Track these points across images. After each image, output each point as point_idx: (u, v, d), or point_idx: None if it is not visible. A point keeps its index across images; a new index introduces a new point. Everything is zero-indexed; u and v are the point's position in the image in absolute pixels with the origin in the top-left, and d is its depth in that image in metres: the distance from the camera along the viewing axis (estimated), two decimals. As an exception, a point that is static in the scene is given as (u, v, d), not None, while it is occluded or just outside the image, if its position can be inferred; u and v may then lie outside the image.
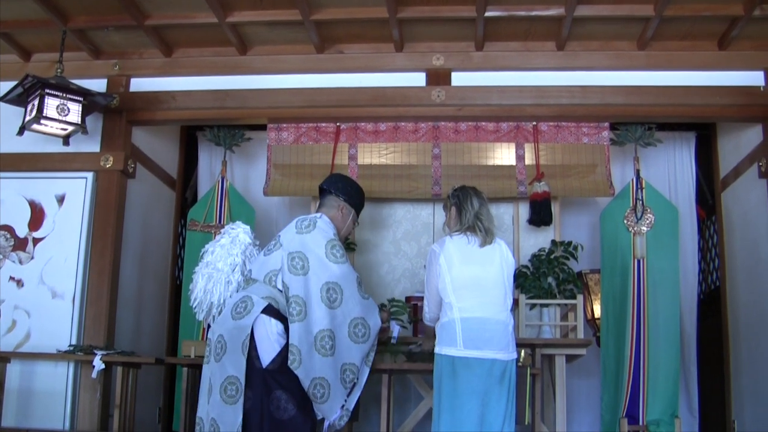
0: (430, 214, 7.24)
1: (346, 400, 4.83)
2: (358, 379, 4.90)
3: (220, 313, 5.04)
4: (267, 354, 4.63)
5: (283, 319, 4.73)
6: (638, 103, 6.59)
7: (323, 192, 5.37)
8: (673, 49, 6.62)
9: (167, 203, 7.92)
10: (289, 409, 4.58)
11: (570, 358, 6.40)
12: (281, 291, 4.78)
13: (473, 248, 4.96)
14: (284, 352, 4.63)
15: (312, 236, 4.90)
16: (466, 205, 5.12)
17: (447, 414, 4.68)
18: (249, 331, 4.59)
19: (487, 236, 5.00)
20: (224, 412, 4.53)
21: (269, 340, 4.65)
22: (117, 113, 6.84)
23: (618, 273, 6.55)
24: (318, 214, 5.13)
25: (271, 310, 4.70)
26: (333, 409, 4.75)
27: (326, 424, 4.82)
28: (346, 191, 5.35)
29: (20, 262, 6.62)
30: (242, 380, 4.52)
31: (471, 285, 4.86)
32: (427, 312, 5.12)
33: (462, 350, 4.70)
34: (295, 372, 4.57)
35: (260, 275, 4.88)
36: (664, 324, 6.36)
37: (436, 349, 4.83)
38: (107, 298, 6.54)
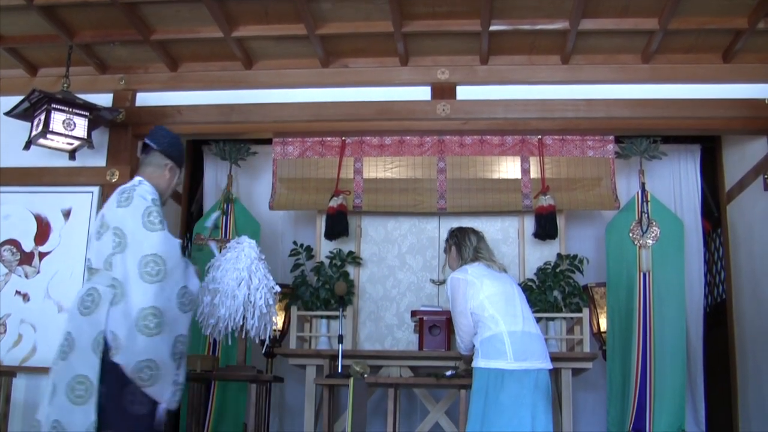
0: (436, 227, 7.25)
1: (177, 375, 4.46)
2: (186, 347, 4.57)
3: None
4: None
5: None
6: (643, 116, 6.60)
7: (148, 148, 4.90)
8: (678, 62, 6.62)
9: (172, 217, 7.91)
10: (146, 403, 4.28)
11: (576, 372, 6.40)
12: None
13: (494, 271, 5.19)
14: None
15: (130, 209, 4.46)
16: (464, 242, 5.36)
17: (494, 427, 4.71)
18: (102, 327, 4.23)
19: (495, 263, 5.27)
20: (72, 413, 4.17)
21: None
22: (123, 127, 6.86)
23: (624, 286, 6.54)
24: (137, 180, 4.69)
25: None
26: (164, 389, 4.36)
27: (161, 407, 4.38)
28: (174, 148, 4.95)
29: (26, 276, 6.63)
30: (94, 379, 4.17)
31: (506, 300, 5.00)
32: (461, 342, 5.21)
33: (512, 363, 4.76)
34: (114, 360, 4.21)
35: (99, 263, 4.46)
36: (670, 337, 6.35)
37: (481, 363, 4.86)
38: (113, 312, 6.52)
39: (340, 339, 5.96)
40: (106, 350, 4.22)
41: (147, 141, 4.91)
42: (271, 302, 5.98)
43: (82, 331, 4.26)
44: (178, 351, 4.41)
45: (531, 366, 4.78)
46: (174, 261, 4.45)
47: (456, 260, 5.37)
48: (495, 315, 4.91)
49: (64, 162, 6.63)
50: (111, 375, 4.22)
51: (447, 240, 5.54)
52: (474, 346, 5.06)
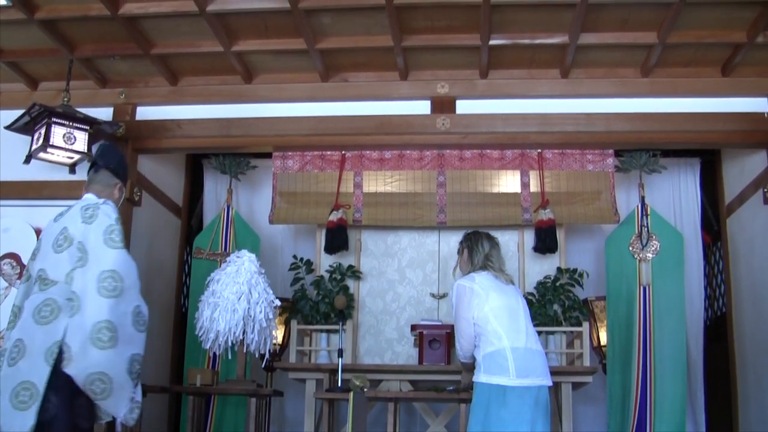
0: (435, 241, 7.25)
1: (134, 393, 4.44)
2: (140, 368, 4.53)
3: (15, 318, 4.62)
4: None
5: None
6: (642, 129, 6.60)
7: (97, 166, 4.95)
8: (677, 76, 6.62)
9: (173, 231, 7.92)
10: (93, 417, 4.34)
11: (576, 386, 6.39)
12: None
13: (500, 283, 5.13)
14: None
15: (93, 226, 4.50)
16: (477, 247, 5.29)
17: None
18: (59, 338, 4.23)
19: (501, 274, 5.20)
20: (13, 418, 4.14)
21: None
22: (123, 141, 6.85)
23: (624, 300, 6.54)
24: (101, 200, 4.71)
25: None
26: (119, 405, 4.37)
27: (118, 421, 4.51)
28: (122, 167, 5.03)
29: (26, 291, 6.62)
30: (40, 387, 4.15)
31: (510, 315, 4.96)
32: (460, 349, 5.14)
33: (514, 379, 4.73)
34: (65, 371, 4.20)
35: (59, 275, 4.45)
36: (670, 350, 6.35)
37: (483, 378, 4.83)
38: (113, 326, 6.51)
39: (340, 353, 5.96)
40: (59, 361, 4.22)
41: (96, 159, 4.98)
42: (270, 316, 5.98)
43: (34, 339, 4.27)
44: (134, 370, 4.41)
45: (532, 383, 4.75)
46: (131, 280, 4.48)
47: (467, 264, 5.33)
48: (498, 330, 4.87)
49: (64, 176, 6.63)
50: (65, 387, 4.22)
51: (461, 242, 5.48)
52: (472, 355, 5.07)
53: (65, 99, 6.46)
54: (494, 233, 5.48)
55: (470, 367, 5.16)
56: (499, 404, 4.70)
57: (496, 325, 4.89)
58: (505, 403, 4.69)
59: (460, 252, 5.47)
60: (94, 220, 4.51)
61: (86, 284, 4.32)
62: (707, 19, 5.91)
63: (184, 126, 6.90)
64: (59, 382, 4.21)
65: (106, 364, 4.27)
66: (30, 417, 4.10)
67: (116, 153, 5.08)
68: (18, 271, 6.65)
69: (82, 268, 4.37)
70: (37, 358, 4.23)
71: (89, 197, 4.77)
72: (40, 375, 4.18)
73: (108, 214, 4.57)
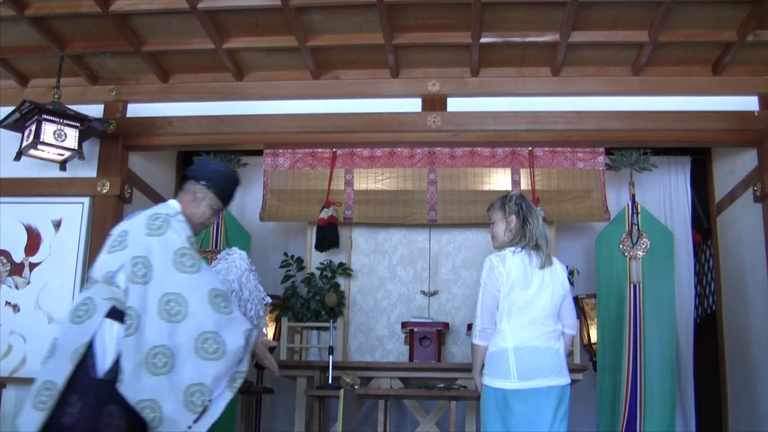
0: (426, 239, 7.26)
1: (191, 426, 4.10)
2: (211, 401, 4.16)
3: None
4: (103, 362, 4.01)
5: None
6: (633, 128, 6.61)
7: (186, 177, 4.59)
8: (668, 75, 6.64)
9: (163, 228, 7.90)
10: (121, 428, 3.96)
11: (566, 383, 6.39)
12: (124, 290, 4.12)
13: (533, 270, 4.56)
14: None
15: (161, 240, 4.19)
16: (531, 220, 4.63)
17: None
18: (88, 339, 3.99)
19: (547, 258, 4.59)
20: (29, 417, 3.92)
21: (108, 345, 4.04)
22: (113, 139, 6.85)
23: (614, 298, 6.55)
24: (173, 211, 4.37)
25: (115, 313, 4.08)
26: None
27: None
28: (208, 176, 4.56)
29: (16, 287, 6.61)
30: (60, 386, 3.90)
31: (527, 311, 4.52)
32: (479, 326, 4.58)
33: (516, 382, 4.40)
34: (119, 391, 3.94)
35: (99, 274, 4.20)
36: (660, 348, 6.35)
37: (487, 381, 4.50)
38: (103, 323, 6.51)
39: (331, 350, 5.96)
40: (88, 364, 4.00)
41: (186, 170, 4.62)
42: (261, 314, 5.96)
43: (66, 339, 4.06)
44: (197, 402, 4.08)
45: (538, 385, 4.40)
46: (198, 303, 4.13)
47: (515, 233, 4.63)
48: (505, 328, 4.48)
49: (54, 173, 6.62)
50: (92, 392, 3.98)
51: (508, 203, 4.69)
52: (490, 334, 4.58)
53: (56, 96, 6.45)
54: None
55: (479, 359, 4.62)
56: (500, 409, 4.42)
57: (506, 324, 4.49)
58: (507, 407, 4.39)
59: (504, 212, 4.69)
60: (161, 233, 4.20)
61: (146, 304, 4.07)
62: (698, 18, 5.92)
63: (174, 123, 6.89)
64: (86, 385, 3.98)
65: (158, 392, 4.01)
66: (39, 417, 3.89)
67: (207, 165, 4.69)
68: (8, 268, 6.64)
69: (144, 285, 4.09)
70: (64, 357, 4.00)
71: (170, 204, 4.44)
72: (61, 375, 3.96)
73: (178, 231, 4.24)
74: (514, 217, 4.62)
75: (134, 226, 4.27)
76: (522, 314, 4.51)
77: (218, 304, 4.18)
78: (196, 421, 4.09)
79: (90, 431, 3.94)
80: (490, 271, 4.56)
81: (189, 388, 4.06)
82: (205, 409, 4.12)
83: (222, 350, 4.13)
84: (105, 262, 4.23)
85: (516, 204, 4.65)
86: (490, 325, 4.56)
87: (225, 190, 4.63)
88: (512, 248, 4.59)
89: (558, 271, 4.65)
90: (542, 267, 4.57)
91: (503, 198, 4.75)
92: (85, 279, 4.40)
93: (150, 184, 7.48)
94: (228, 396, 4.20)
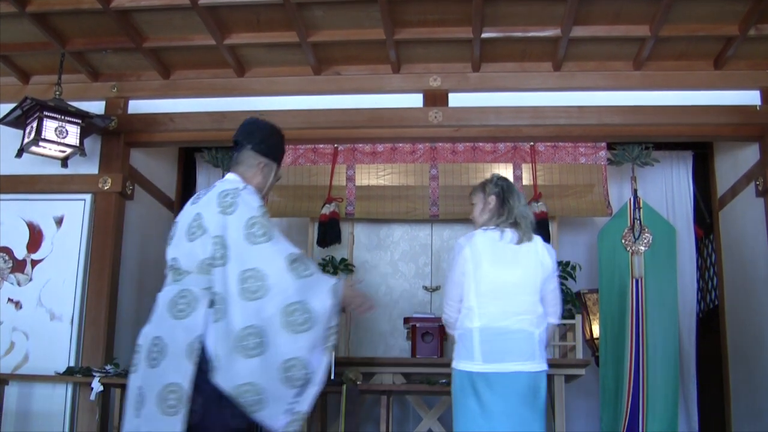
0: (428, 234, 7.26)
1: (294, 402, 3.98)
2: (312, 373, 4.01)
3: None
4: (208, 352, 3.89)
5: None
6: (635, 122, 6.61)
7: (239, 145, 4.39)
8: (669, 69, 6.63)
9: (165, 225, 7.87)
10: (245, 414, 3.85)
11: (569, 378, 6.39)
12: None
13: (506, 246, 4.36)
14: None
15: (234, 218, 4.02)
16: (511, 200, 4.47)
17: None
18: (200, 332, 3.87)
19: (525, 234, 4.39)
20: (161, 424, 3.80)
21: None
22: (115, 135, 6.86)
23: (616, 292, 6.54)
24: (241, 184, 4.17)
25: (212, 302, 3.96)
26: (275, 417, 3.92)
27: None
28: (266, 143, 4.41)
29: (18, 284, 6.62)
30: (186, 388, 3.78)
31: (497, 290, 4.28)
32: (445, 319, 4.50)
33: (480, 364, 4.17)
34: (214, 381, 3.83)
35: (191, 265, 4.04)
36: (662, 343, 6.35)
37: (453, 363, 4.32)
38: (105, 319, 6.53)
39: (333, 346, 5.95)
40: (203, 359, 3.86)
41: (236, 137, 4.42)
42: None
43: (175, 336, 3.89)
44: (295, 376, 3.94)
45: (505, 369, 4.16)
46: (277, 275, 3.95)
47: (494, 214, 4.48)
48: (473, 306, 4.27)
49: (56, 170, 6.62)
50: (206, 384, 3.84)
51: (488, 185, 4.57)
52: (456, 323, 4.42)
53: (57, 93, 6.45)
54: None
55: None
56: (467, 394, 4.20)
57: (475, 302, 4.27)
58: (475, 392, 4.17)
59: (484, 193, 4.57)
60: (233, 210, 4.02)
61: (228, 286, 3.93)
62: (699, 13, 5.90)
63: (176, 120, 6.89)
64: (201, 380, 3.84)
65: (255, 374, 3.88)
66: (177, 424, 3.75)
67: (258, 128, 4.46)
68: (10, 265, 6.65)
69: (222, 267, 3.95)
70: (179, 357, 3.85)
71: (231, 178, 4.26)
72: (184, 374, 3.81)
73: (248, 203, 4.06)
74: (493, 197, 4.49)
75: (205, 206, 4.12)
76: (491, 291, 4.28)
77: (297, 269, 3.97)
78: (298, 395, 3.98)
79: (220, 425, 3.87)
80: (455, 255, 4.44)
81: (285, 364, 3.92)
82: (306, 381, 3.99)
83: (311, 318, 3.97)
84: (191, 250, 4.05)
85: (496, 185, 4.54)
86: (456, 316, 4.41)
87: (278, 149, 4.48)
88: (485, 227, 4.47)
89: (539, 248, 4.42)
90: (519, 242, 4.37)
91: (485, 180, 4.65)
92: (171, 268, 4.13)
93: (152, 181, 7.49)
94: (326, 360, 4.07)
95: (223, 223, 3.98)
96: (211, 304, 3.92)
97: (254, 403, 3.84)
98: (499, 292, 4.28)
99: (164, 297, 4.05)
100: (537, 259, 4.38)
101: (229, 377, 3.84)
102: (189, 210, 4.18)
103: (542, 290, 4.39)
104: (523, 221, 4.41)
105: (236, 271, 3.91)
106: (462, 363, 4.24)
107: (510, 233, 4.38)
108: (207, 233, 3.99)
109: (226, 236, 3.95)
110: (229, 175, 4.29)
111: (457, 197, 6.89)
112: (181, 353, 3.84)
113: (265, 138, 4.39)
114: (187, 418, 3.78)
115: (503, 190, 4.49)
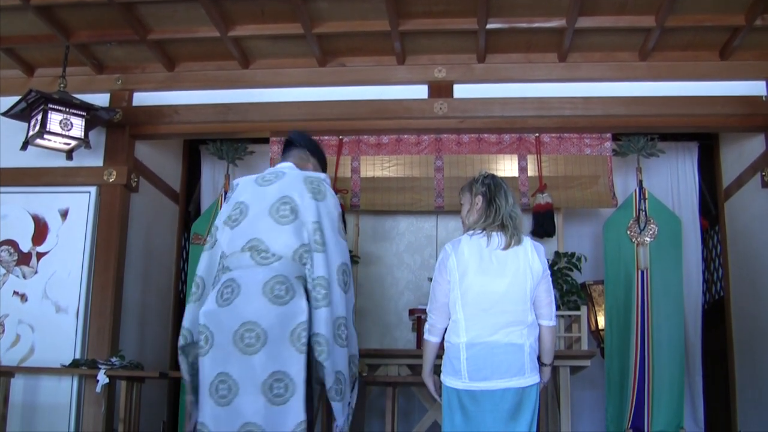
0: (433, 226, 7.25)
1: (351, 398, 4.16)
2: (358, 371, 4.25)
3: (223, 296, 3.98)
4: None
5: None
6: (640, 113, 6.59)
7: (293, 144, 4.55)
8: (675, 60, 6.61)
9: (170, 217, 7.92)
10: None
11: (574, 370, 6.38)
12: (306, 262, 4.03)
13: (493, 252, 4.18)
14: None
15: (325, 205, 4.11)
16: (498, 200, 4.30)
17: None
18: (304, 318, 3.82)
19: (513, 237, 4.20)
20: (271, 414, 3.75)
21: None
22: (120, 127, 6.86)
23: (622, 284, 6.53)
24: (321, 175, 4.31)
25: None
26: (343, 407, 4.07)
27: (336, 428, 4.12)
28: (318, 152, 4.64)
29: (24, 277, 6.62)
30: (293, 375, 3.76)
31: (484, 300, 4.12)
32: (428, 322, 4.30)
33: (467, 382, 4.05)
34: (324, 364, 3.87)
35: (284, 249, 3.99)
36: (668, 335, 6.34)
37: (441, 376, 4.21)
38: (111, 312, 6.54)
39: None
40: (311, 348, 3.86)
41: (290, 138, 4.60)
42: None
43: (279, 322, 3.84)
44: (353, 372, 4.11)
45: (492, 386, 4.04)
46: (351, 275, 4.19)
47: (480, 215, 4.31)
48: (459, 319, 4.13)
49: (61, 162, 6.63)
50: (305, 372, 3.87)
51: (475, 184, 4.41)
52: (443, 332, 4.28)
53: (62, 85, 6.44)
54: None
55: (429, 356, 4.35)
56: (455, 410, 4.10)
57: (461, 314, 4.13)
58: (462, 409, 4.08)
59: (470, 193, 4.43)
60: (324, 197, 4.14)
61: (331, 274, 4.00)
62: (705, 3, 5.89)
63: (181, 112, 6.89)
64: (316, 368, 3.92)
65: (343, 363, 4.00)
66: (290, 411, 3.75)
67: (310, 138, 4.69)
68: (16, 257, 6.65)
69: (323, 254, 4.00)
70: (282, 343, 3.82)
71: (293, 165, 4.35)
72: (289, 362, 3.79)
73: (333, 194, 4.24)
74: (480, 197, 4.34)
75: (292, 188, 4.13)
76: (478, 302, 4.12)
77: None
78: (353, 391, 4.16)
79: (313, 416, 3.93)
80: (441, 261, 4.29)
81: (353, 359, 4.13)
82: (356, 378, 4.19)
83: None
84: (281, 233, 4.04)
85: (483, 184, 4.37)
86: (440, 321, 4.26)
87: (323, 162, 4.71)
88: (472, 231, 4.29)
89: (528, 251, 4.23)
90: (507, 248, 4.19)
91: (472, 179, 4.49)
92: (250, 249, 4.06)
93: (157, 173, 7.49)
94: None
95: (317, 209, 4.08)
96: (307, 291, 3.95)
97: (338, 392, 3.93)
98: (486, 304, 4.12)
99: (252, 278, 3.94)
100: (526, 264, 4.19)
101: (333, 363, 3.90)
102: (265, 191, 4.16)
103: (534, 294, 4.23)
104: (511, 223, 4.25)
105: (336, 261, 4.04)
106: (449, 379, 4.14)
107: (497, 238, 4.21)
108: (301, 218, 4.04)
109: (322, 223, 4.05)
110: (287, 163, 4.39)
111: (462, 189, 6.88)
112: (284, 339, 3.80)
113: (317, 148, 4.63)
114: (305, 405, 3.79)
115: (489, 189, 4.34)
